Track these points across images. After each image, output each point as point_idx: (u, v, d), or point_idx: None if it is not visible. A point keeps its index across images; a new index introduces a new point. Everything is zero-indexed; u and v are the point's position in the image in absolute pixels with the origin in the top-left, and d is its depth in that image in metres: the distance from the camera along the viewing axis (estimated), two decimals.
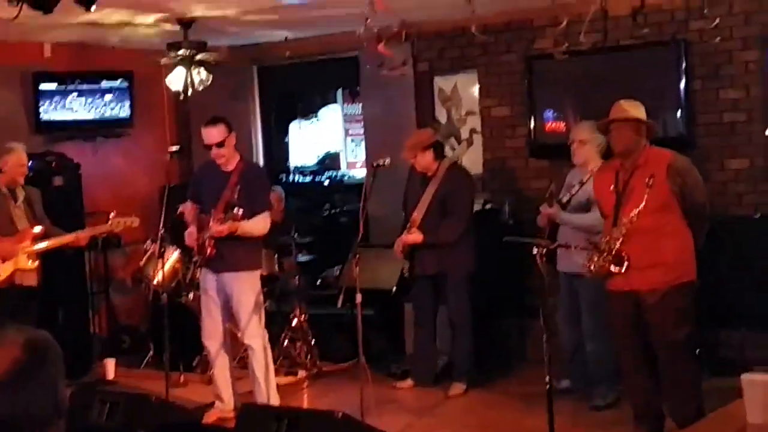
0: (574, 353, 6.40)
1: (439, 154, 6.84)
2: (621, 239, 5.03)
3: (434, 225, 6.66)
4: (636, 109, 5.26)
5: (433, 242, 6.65)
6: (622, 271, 5.06)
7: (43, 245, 6.47)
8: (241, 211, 5.96)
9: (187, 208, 6.43)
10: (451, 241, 6.65)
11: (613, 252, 5.06)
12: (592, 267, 5.18)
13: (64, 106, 8.30)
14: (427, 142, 6.76)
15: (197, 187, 6.45)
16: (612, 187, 5.22)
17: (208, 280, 6.31)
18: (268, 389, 6.27)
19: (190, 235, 6.29)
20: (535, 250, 5.40)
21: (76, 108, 8.36)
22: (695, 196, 5.19)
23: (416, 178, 6.86)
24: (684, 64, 6.96)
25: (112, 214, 6.67)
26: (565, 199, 6.09)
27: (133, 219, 6.68)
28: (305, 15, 7.13)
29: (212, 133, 6.17)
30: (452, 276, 6.74)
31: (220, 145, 6.17)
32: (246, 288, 6.23)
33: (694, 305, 5.22)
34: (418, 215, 6.68)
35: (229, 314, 6.32)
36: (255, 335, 6.24)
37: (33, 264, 6.44)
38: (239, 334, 6.35)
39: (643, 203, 4.95)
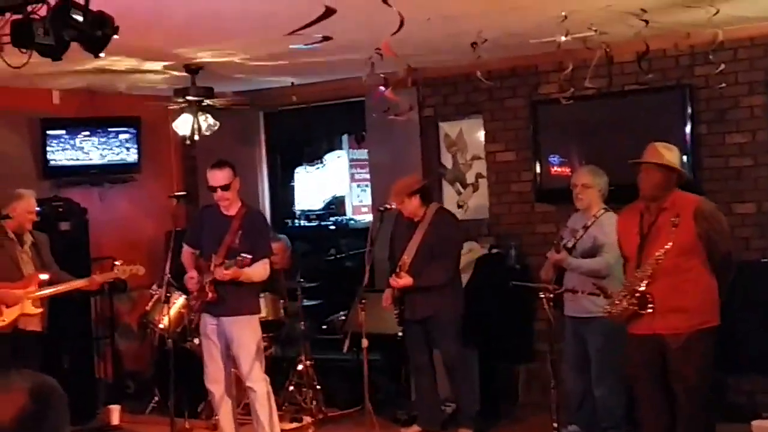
0: (581, 400, 6.33)
1: (426, 199, 6.81)
2: (646, 281, 5.00)
3: (423, 269, 6.62)
4: (670, 153, 5.21)
5: (423, 285, 6.61)
6: (648, 311, 5.02)
7: (48, 291, 6.48)
8: (249, 257, 5.97)
9: (185, 253, 6.44)
10: (440, 284, 6.60)
11: (638, 294, 5.02)
12: (613, 310, 5.14)
13: (71, 151, 8.35)
14: (412, 187, 6.72)
15: (196, 231, 6.47)
16: (636, 230, 5.20)
17: (207, 324, 6.31)
18: None
19: (191, 279, 6.30)
20: (541, 295, 5.40)
21: (83, 153, 8.40)
22: (720, 244, 5.13)
23: (403, 224, 6.83)
24: (689, 109, 6.97)
25: (118, 262, 6.69)
26: (570, 244, 6.08)
27: (138, 267, 6.70)
28: (312, 60, 7.17)
29: (218, 176, 6.22)
30: (442, 319, 6.67)
31: (225, 188, 6.21)
32: (247, 332, 6.23)
33: (714, 350, 5.16)
34: (407, 258, 6.65)
35: (231, 358, 6.31)
36: (258, 378, 6.23)
37: (38, 309, 6.44)
38: (243, 379, 6.33)
39: (671, 243, 4.92)
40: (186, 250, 6.46)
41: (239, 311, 6.20)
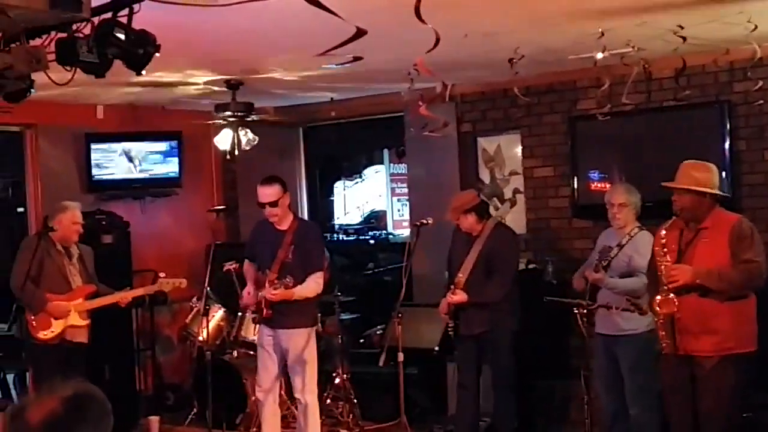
0: (614, 419, 6.26)
1: (483, 215, 6.80)
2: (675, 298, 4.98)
3: (479, 285, 6.59)
4: (703, 174, 5.16)
5: (478, 302, 6.60)
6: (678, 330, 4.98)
7: (95, 302, 6.58)
8: (291, 280, 6.02)
9: (245, 266, 6.52)
10: (496, 301, 6.59)
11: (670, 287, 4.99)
12: (656, 307, 5.07)
13: (114, 165, 8.48)
14: (468, 205, 6.70)
15: (253, 245, 6.55)
16: (674, 246, 5.14)
17: (264, 335, 6.39)
18: None
19: (247, 294, 6.37)
20: (575, 311, 5.39)
21: (126, 167, 8.53)
22: (746, 252, 5.01)
23: (461, 238, 6.81)
24: (728, 126, 6.93)
25: (161, 275, 6.78)
26: (604, 263, 6.05)
27: (182, 280, 6.79)
28: (350, 76, 7.22)
29: (267, 192, 6.27)
30: (497, 335, 6.65)
31: (273, 204, 6.26)
32: (302, 344, 6.28)
33: (746, 377, 5.10)
34: (462, 276, 6.62)
35: (284, 370, 6.37)
36: (310, 391, 6.31)
37: (84, 321, 6.55)
38: (294, 390, 6.39)
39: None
40: (246, 263, 6.56)
41: (295, 324, 6.26)
